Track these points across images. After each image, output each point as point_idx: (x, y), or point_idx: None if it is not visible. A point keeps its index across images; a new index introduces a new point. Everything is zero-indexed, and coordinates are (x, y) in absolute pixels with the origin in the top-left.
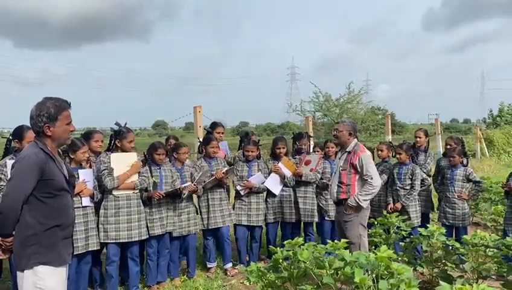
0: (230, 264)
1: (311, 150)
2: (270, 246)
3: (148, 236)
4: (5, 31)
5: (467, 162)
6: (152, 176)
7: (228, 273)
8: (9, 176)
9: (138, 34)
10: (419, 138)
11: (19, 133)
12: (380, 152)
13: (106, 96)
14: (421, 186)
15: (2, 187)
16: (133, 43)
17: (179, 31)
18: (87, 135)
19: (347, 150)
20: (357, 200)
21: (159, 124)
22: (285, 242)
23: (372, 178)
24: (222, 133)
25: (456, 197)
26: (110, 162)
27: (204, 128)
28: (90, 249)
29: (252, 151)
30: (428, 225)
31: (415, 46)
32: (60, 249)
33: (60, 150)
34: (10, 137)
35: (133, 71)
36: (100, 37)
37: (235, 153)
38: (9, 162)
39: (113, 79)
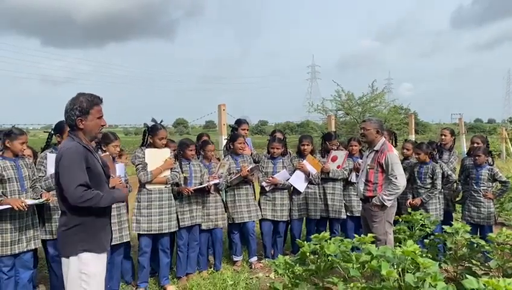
0: (255, 258)
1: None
2: (297, 240)
3: (177, 228)
4: (33, 29)
5: (493, 162)
6: (182, 172)
7: (253, 267)
8: (48, 168)
9: (161, 33)
10: (445, 136)
11: (60, 128)
12: (405, 151)
13: (129, 95)
14: (446, 183)
15: (41, 177)
16: (156, 41)
17: (201, 30)
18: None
19: (375, 148)
20: (382, 200)
21: (180, 123)
22: (312, 236)
23: (396, 178)
24: (247, 130)
25: (482, 196)
26: (144, 157)
27: (229, 126)
28: (124, 241)
29: (277, 148)
30: (452, 223)
31: (439, 45)
32: (101, 237)
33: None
34: (52, 132)
35: (155, 70)
36: (123, 35)
37: (262, 151)
38: (50, 155)
39: (136, 77)
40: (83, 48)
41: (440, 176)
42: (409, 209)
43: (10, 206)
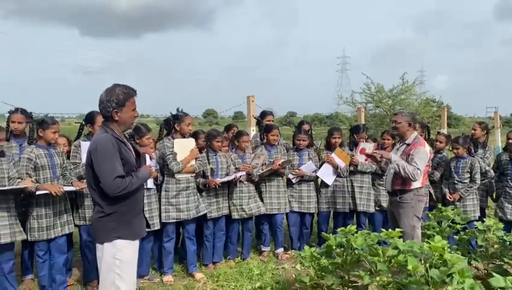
0: (282, 249)
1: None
2: (323, 233)
3: (202, 214)
4: (72, 19)
5: None
6: (209, 163)
7: (280, 258)
8: (83, 156)
9: (196, 23)
10: (475, 130)
11: (91, 118)
12: (438, 143)
13: (161, 85)
14: (482, 179)
15: (77, 164)
16: (190, 32)
17: (235, 20)
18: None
19: (406, 142)
20: (394, 160)
21: (210, 113)
22: (338, 229)
23: (419, 169)
24: (272, 121)
25: None
26: (173, 147)
27: (254, 118)
28: (155, 229)
29: (303, 140)
30: (484, 219)
31: (477, 36)
32: (134, 224)
33: (126, 135)
34: (83, 122)
35: (188, 60)
36: (159, 26)
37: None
38: (83, 143)
39: (169, 68)
40: (119, 39)
41: (479, 170)
42: (439, 205)
43: (48, 192)
